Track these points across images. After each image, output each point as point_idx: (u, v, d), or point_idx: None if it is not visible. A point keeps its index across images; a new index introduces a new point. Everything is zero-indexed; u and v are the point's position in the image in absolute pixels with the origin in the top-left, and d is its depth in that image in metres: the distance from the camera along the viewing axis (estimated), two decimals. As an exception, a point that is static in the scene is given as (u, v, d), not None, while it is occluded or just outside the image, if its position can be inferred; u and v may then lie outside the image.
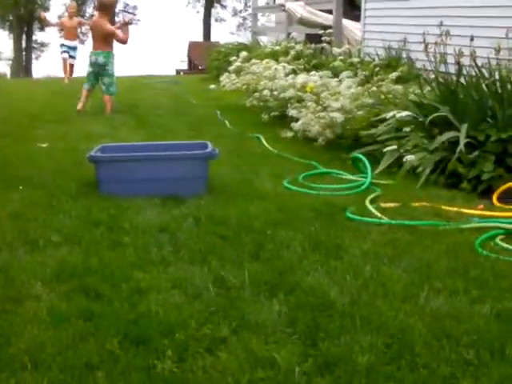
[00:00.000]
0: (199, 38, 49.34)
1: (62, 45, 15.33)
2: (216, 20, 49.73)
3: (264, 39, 16.86)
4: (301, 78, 7.93)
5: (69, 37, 15.08)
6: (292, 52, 9.95)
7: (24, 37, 46.44)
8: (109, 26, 9.45)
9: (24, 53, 48.39)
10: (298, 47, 10.06)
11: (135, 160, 5.14)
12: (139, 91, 12.45)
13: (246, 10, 47.93)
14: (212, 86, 10.02)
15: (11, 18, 41.99)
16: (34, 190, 5.03)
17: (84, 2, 41.92)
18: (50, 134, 7.42)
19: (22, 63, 44.33)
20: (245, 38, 49.29)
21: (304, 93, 7.73)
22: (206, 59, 35.26)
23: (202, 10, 49.76)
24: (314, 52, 10.43)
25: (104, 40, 9.40)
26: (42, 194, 4.93)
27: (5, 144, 6.91)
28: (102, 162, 5.09)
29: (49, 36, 52.10)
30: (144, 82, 14.08)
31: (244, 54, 10.20)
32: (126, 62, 54.35)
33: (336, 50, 9.82)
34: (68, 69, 15.00)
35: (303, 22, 12.26)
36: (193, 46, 43.27)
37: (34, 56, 54.27)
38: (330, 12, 12.38)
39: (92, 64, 9.46)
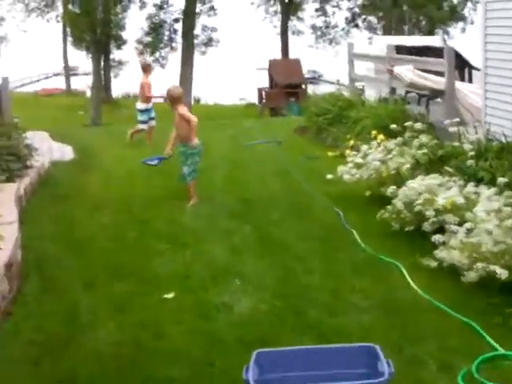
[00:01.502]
0: (277, 51, 48.95)
1: (142, 110, 14.19)
2: (293, 33, 49.05)
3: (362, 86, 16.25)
4: (441, 196, 7.10)
5: (147, 100, 14.06)
6: (415, 143, 9.12)
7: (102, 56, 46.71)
8: (190, 115, 9.13)
9: (103, 71, 48.78)
10: (423, 138, 9.19)
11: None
12: (240, 164, 11.91)
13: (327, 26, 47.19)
14: (329, 176, 9.28)
15: (88, 39, 42.10)
16: None
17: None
18: (169, 271, 6.76)
19: (101, 82, 44.51)
20: (323, 50, 49.03)
21: (445, 209, 6.97)
22: (288, 77, 34.55)
23: (278, 24, 49.23)
24: (438, 138, 9.60)
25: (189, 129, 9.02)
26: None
27: (128, 290, 6.32)
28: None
29: (126, 54, 52.51)
30: (243, 145, 13.42)
31: (364, 148, 9.40)
32: (211, 85, 54.28)
33: (467, 138, 8.98)
34: (150, 132, 14.10)
35: (413, 86, 11.48)
36: (273, 64, 42.91)
37: (112, 74, 54.85)
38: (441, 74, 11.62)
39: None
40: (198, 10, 39.28)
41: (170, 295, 6.05)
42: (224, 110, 46.09)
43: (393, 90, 13.68)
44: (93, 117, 38.48)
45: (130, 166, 11.53)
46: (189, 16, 37.34)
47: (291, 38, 48.40)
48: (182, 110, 9.10)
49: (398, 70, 11.60)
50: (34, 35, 63.02)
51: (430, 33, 40.17)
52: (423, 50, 14.73)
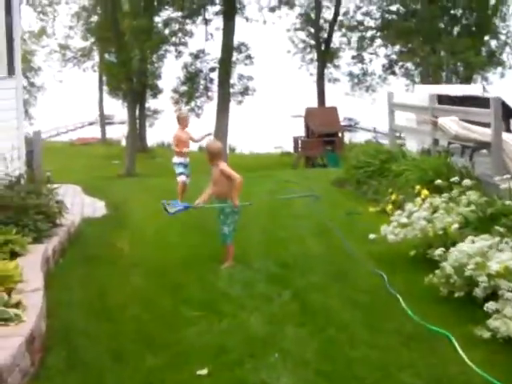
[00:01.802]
0: (313, 98, 48.74)
1: (179, 164, 13.46)
2: (329, 80, 48.89)
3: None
4: (494, 261, 6.60)
5: (182, 154, 13.32)
6: (463, 200, 8.63)
7: (137, 105, 47.01)
8: (232, 171, 8.58)
9: (138, 120, 49.08)
10: (472, 196, 8.69)
11: None
12: (278, 221, 11.52)
13: (367, 75, 46.87)
14: (372, 236, 8.81)
15: (124, 88, 42.46)
16: None
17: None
18: (203, 342, 6.28)
19: (136, 131, 44.74)
20: (360, 96, 48.65)
21: (498, 274, 6.47)
22: (324, 126, 34.44)
23: (315, 71, 49.12)
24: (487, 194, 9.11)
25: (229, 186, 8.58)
26: None
27: (159, 364, 5.87)
28: None
29: (161, 103, 52.71)
30: (278, 200, 12.93)
31: (410, 207, 8.92)
32: (246, 134, 54.35)
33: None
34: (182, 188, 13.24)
35: (458, 138, 10.99)
36: (309, 113, 42.70)
37: (147, 123, 55.15)
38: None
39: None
40: (234, 59, 39.20)
41: (204, 371, 5.59)
42: (259, 159, 45.94)
43: (435, 142, 13.21)
44: (127, 166, 38.50)
45: (164, 222, 11.14)
46: (225, 65, 37.29)
47: (327, 86, 48.20)
48: (223, 165, 8.61)
49: (442, 121, 11.13)
50: (71, 84, 63.75)
51: (468, 79, 39.67)
52: (466, 99, 14.25)
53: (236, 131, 44.36)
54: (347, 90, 48.21)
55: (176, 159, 13.36)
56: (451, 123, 10.96)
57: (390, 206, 11.40)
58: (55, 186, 10.73)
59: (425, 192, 10.16)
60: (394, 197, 11.51)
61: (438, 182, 9.48)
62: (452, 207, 8.55)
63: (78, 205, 13.54)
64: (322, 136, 39.42)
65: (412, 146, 14.51)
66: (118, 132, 57.29)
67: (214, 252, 9.04)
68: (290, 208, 12.48)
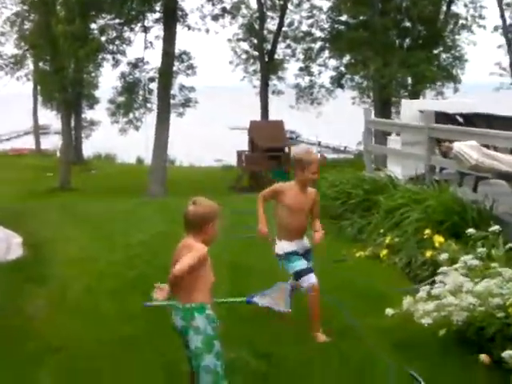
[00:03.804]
0: (255, 110, 46.55)
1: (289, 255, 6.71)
2: (273, 92, 46.95)
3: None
4: None
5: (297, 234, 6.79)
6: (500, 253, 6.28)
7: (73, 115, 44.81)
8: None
9: (73, 131, 46.88)
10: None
11: None
12: (241, 283, 8.83)
13: (314, 88, 45.06)
14: (389, 312, 6.29)
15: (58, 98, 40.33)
16: None
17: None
18: None
19: (71, 143, 42.37)
20: (305, 110, 46.54)
21: None
22: (270, 140, 32.30)
23: (258, 83, 47.11)
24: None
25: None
26: None
27: None
28: None
29: (98, 114, 50.19)
30: (235, 241, 10.30)
31: (455, 278, 6.39)
32: (184, 145, 52.18)
33: None
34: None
35: (477, 168, 8.63)
36: (254, 126, 40.33)
37: (83, 135, 52.66)
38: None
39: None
40: (175, 69, 36.70)
41: None
42: (200, 173, 43.76)
43: (432, 168, 10.89)
44: (61, 179, 36.40)
45: (95, 274, 8.58)
46: (165, 75, 34.79)
47: (270, 98, 46.13)
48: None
49: (458, 147, 8.68)
50: (5, 93, 60.76)
51: (417, 93, 38.13)
52: (477, 117, 11.95)
53: (175, 142, 41.83)
54: (291, 102, 46.16)
55: (283, 246, 6.71)
56: (470, 150, 8.55)
57: (384, 251, 9.13)
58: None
59: (439, 239, 7.91)
60: (388, 239, 9.21)
61: (471, 231, 7.13)
62: (494, 268, 6.19)
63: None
64: (268, 151, 37.28)
65: (396, 172, 12.17)
66: (53, 143, 54.70)
67: (163, 332, 6.01)
68: (256, 252, 9.91)
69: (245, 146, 41.49)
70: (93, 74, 47.76)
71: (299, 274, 6.47)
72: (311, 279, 6.43)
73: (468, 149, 8.61)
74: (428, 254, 7.90)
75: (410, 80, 39.45)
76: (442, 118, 11.43)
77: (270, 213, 6.70)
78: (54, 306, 7.51)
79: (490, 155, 8.58)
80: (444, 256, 6.75)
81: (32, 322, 6.98)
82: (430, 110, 11.21)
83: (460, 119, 11.96)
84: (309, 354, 6.04)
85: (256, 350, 6.02)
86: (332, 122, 65.27)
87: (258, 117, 45.08)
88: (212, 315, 4.77)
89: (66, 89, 38.32)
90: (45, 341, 6.41)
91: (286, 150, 39.20)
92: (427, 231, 8.20)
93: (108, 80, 43.13)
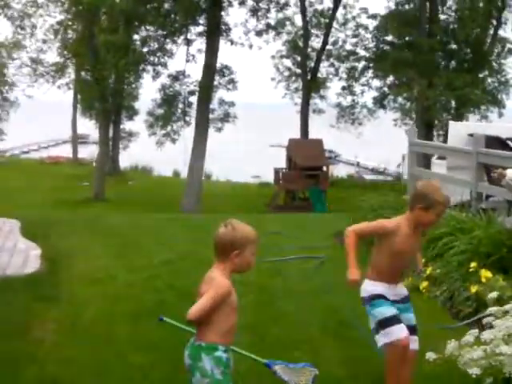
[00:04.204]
0: (294, 128, 45.99)
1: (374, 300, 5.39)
2: (314, 111, 46.42)
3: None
4: None
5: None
6: None
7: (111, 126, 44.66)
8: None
9: (111, 142, 46.75)
10: None
11: None
12: (269, 301, 8.30)
13: (355, 108, 44.49)
14: (431, 357, 5.51)
15: (97, 108, 40.29)
16: None
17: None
18: None
19: (107, 153, 42.15)
20: (345, 129, 45.82)
21: None
22: (309, 159, 31.81)
23: (299, 101, 46.60)
24: None
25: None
26: None
27: None
28: None
29: (137, 125, 49.96)
30: (268, 264, 9.74)
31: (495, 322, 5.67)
32: (222, 160, 51.92)
33: None
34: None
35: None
36: (293, 144, 39.71)
37: (121, 145, 52.49)
38: None
39: None
40: (215, 83, 36.25)
41: None
42: (236, 188, 43.25)
43: (479, 196, 10.18)
44: (96, 190, 36.01)
45: (112, 295, 8.00)
46: (206, 89, 34.37)
47: (310, 116, 45.58)
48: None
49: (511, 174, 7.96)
50: (46, 101, 61.06)
51: (460, 116, 37.30)
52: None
53: (213, 157, 41.42)
54: (331, 121, 45.53)
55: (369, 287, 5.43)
56: (524, 178, 7.83)
57: (424, 283, 8.43)
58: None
59: (485, 273, 7.22)
60: (429, 270, 8.52)
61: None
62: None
63: (7, 252, 10.42)
64: (306, 169, 36.66)
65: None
66: (91, 152, 54.71)
67: (176, 364, 5.13)
68: (284, 277, 9.35)
69: (283, 163, 40.99)
70: (133, 85, 47.53)
71: (384, 324, 5.13)
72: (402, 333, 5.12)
73: (521, 177, 7.87)
74: (473, 289, 7.21)
75: (453, 103, 38.70)
76: (493, 142, 10.73)
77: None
78: (63, 330, 6.90)
79: (544, 185, 7.84)
80: (492, 295, 6.06)
81: (37, 345, 6.38)
82: (481, 133, 10.51)
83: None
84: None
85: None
86: (371, 142, 64.47)
87: (296, 135, 44.51)
88: (223, 358, 4.14)
89: (105, 99, 38.16)
90: (49, 370, 5.79)
91: (324, 168, 38.61)
92: (473, 264, 7.52)
93: (148, 92, 42.91)
